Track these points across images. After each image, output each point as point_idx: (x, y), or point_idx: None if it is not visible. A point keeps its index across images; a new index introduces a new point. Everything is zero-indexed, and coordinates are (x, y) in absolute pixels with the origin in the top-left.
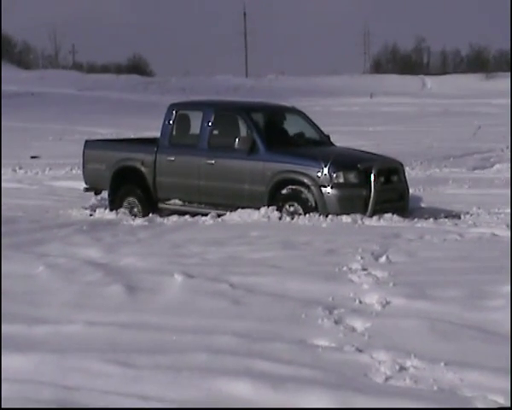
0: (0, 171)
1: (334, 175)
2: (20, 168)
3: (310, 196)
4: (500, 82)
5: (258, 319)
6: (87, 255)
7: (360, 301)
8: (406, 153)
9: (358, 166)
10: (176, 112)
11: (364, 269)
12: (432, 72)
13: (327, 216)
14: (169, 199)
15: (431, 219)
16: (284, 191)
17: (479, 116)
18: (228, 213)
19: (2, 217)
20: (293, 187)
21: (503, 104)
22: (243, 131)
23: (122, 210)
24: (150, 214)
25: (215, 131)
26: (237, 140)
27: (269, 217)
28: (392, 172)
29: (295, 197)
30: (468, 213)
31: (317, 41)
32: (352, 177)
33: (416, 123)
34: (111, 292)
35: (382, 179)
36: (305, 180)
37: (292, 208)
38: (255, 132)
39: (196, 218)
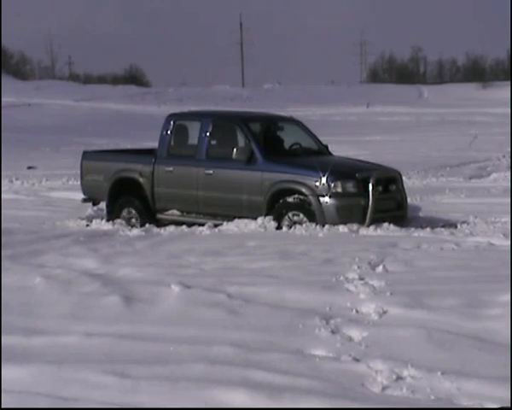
0: (0, 176)
1: (333, 185)
2: (17, 179)
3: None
4: (497, 91)
5: (255, 329)
6: (84, 266)
7: (357, 311)
8: (403, 162)
9: (356, 175)
10: (174, 122)
11: (361, 279)
12: (428, 81)
13: (323, 226)
14: (167, 209)
15: (428, 229)
16: (290, 200)
17: (475, 125)
18: (225, 223)
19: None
20: (301, 197)
21: (499, 113)
22: (241, 141)
23: (119, 221)
24: (147, 225)
25: (213, 142)
26: (235, 150)
27: (265, 227)
28: (390, 181)
29: (300, 207)
30: (464, 222)
31: (313, 51)
32: (351, 186)
33: (413, 132)
34: (108, 303)
35: (380, 189)
36: (304, 190)
37: (296, 218)
38: (253, 142)
39: (193, 228)
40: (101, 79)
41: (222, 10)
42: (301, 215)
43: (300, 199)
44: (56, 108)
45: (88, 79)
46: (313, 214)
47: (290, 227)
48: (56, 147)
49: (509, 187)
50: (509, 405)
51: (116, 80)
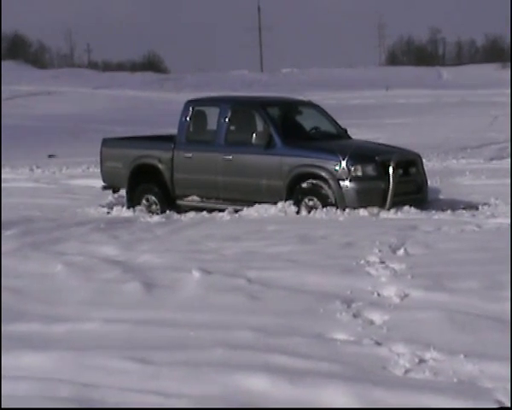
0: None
1: (352, 168)
2: (38, 168)
3: (330, 192)
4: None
5: (276, 313)
6: (104, 253)
7: (378, 294)
8: (423, 144)
9: (376, 158)
10: (192, 108)
11: (382, 262)
12: (447, 63)
13: (344, 210)
14: (187, 196)
15: (448, 211)
16: (304, 185)
17: (495, 106)
18: (245, 208)
19: (20, 217)
20: (314, 181)
21: None
22: (260, 126)
23: (139, 207)
24: (167, 211)
25: (232, 127)
26: (254, 135)
27: (286, 211)
28: (410, 164)
29: (315, 192)
30: (485, 203)
31: (331, 34)
32: (370, 170)
33: (433, 114)
34: (128, 289)
35: (401, 172)
36: (323, 174)
37: (311, 202)
38: (272, 127)
39: (213, 214)
40: (120, 66)
41: None
42: (315, 200)
43: (313, 183)
44: (75, 95)
45: (107, 67)
46: (326, 198)
47: (309, 212)
48: (76, 135)
49: None
50: None
51: (134, 67)
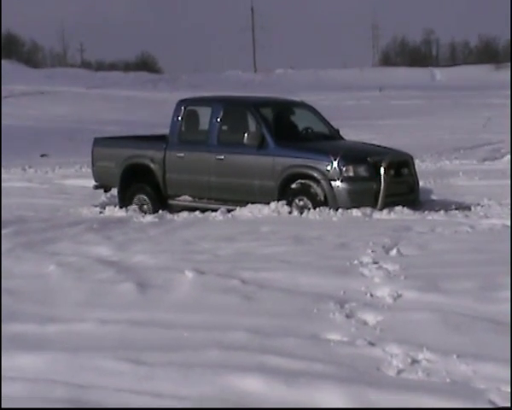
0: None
1: (344, 169)
2: (30, 167)
3: (319, 191)
4: (510, 72)
5: (270, 314)
6: (98, 253)
7: (372, 295)
8: (416, 145)
9: (368, 159)
10: (184, 108)
11: (375, 262)
12: (441, 64)
13: (337, 210)
14: (179, 195)
15: (442, 212)
16: (294, 186)
17: (488, 107)
18: (238, 208)
19: (13, 216)
20: (303, 181)
21: None
22: (252, 126)
23: (132, 207)
24: (160, 211)
25: (224, 127)
26: (246, 135)
27: (279, 212)
28: (402, 165)
29: (305, 192)
30: (478, 204)
31: (325, 35)
32: (362, 170)
33: (426, 115)
34: (122, 290)
35: (392, 172)
36: (315, 174)
37: (301, 203)
38: (264, 127)
39: (206, 214)
40: (113, 66)
41: None
42: (305, 200)
43: (302, 184)
44: (69, 95)
45: (100, 66)
46: (316, 198)
47: (300, 212)
48: (69, 134)
49: None
50: None
51: (128, 67)
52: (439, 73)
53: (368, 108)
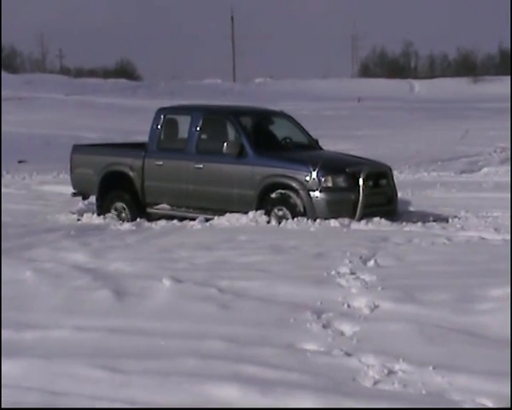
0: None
1: (323, 179)
2: (7, 173)
3: (298, 201)
4: (488, 86)
5: (247, 323)
6: (75, 260)
7: (348, 305)
8: (394, 157)
9: (347, 170)
10: (164, 116)
11: (353, 273)
12: (420, 76)
13: (315, 220)
14: (157, 204)
15: (419, 223)
16: (273, 195)
17: (466, 120)
18: (216, 217)
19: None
20: (282, 191)
21: (490, 108)
22: (231, 135)
23: (110, 215)
24: (138, 219)
25: (203, 136)
26: (226, 144)
27: (257, 221)
28: (380, 176)
29: (284, 202)
30: (456, 216)
31: (305, 45)
32: (341, 181)
33: (405, 127)
34: (99, 297)
35: (371, 183)
36: (294, 184)
37: (280, 213)
38: (243, 136)
39: (184, 222)
40: (92, 73)
41: (213, 3)
42: (284, 210)
43: (282, 194)
44: (47, 101)
45: (79, 73)
46: (295, 208)
47: (279, 222)
48: (47, 141)
49: (500, 181)
50: (502, 400)
51: (107, 74)
52: (418, 85)
53: (346, 119)
